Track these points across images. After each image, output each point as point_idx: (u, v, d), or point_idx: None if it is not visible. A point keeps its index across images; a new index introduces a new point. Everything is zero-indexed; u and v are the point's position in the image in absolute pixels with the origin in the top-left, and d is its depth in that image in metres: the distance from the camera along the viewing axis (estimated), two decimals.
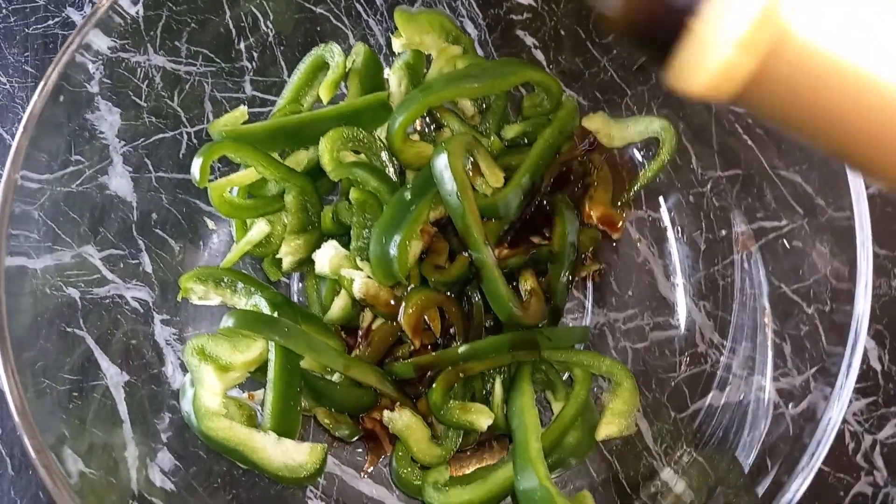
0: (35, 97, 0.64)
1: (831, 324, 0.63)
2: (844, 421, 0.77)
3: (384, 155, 0.71)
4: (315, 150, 0.74)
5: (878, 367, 0.79)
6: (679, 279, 0.78)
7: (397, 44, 0.73)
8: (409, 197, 0.68)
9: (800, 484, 0.55)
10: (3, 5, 0.90)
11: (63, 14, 0.91)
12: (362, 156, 0.73)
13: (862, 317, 0.58)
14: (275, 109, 0.77)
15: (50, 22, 0.91)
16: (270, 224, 0.73)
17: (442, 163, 0.65)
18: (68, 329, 0.70)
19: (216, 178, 0.73)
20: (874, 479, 0.75)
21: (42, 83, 0.65)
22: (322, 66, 0.76)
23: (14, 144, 0.62)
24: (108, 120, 0.76)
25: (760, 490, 0.58)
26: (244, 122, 0.74)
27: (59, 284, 0.70)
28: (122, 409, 0.70)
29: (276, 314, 0.66)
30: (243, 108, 0.75)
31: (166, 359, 0.74)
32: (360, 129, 0.70)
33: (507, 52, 0.87)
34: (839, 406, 0.56)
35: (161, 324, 0.75)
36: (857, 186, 0.59)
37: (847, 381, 0.56)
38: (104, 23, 0.71)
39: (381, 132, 0.73)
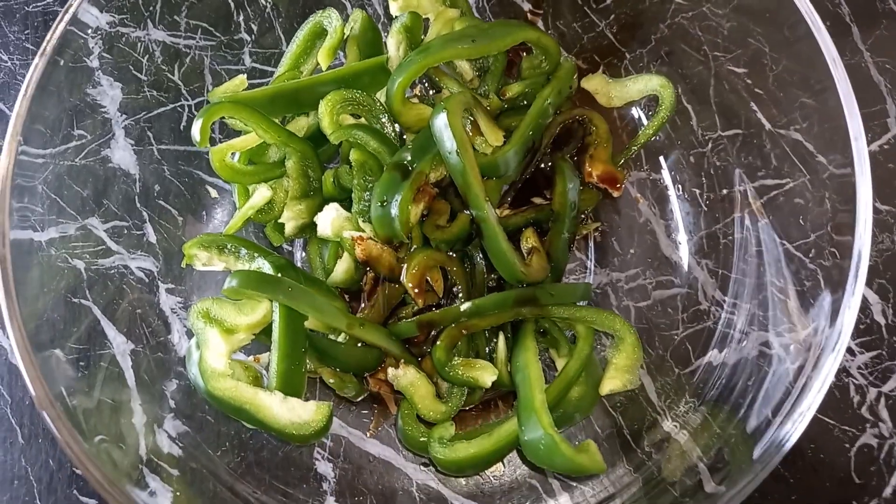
0: (30, 71, 0.65)
1: (831, 278, 0.63)
2: (849, 374, 0.77)
3: (384, 118, 0.72)
4: (315, 116, 0.74)
5: (881, 321, 0.79)
6: (681, 238, 0.78)
7: (394, 6, 0.73)
8: (410, 157, 0.68)
9: (791, 428, 0.56)
10: None
11: None
12: (362, 119, 0.73)
13: (860, 268, 0.58)
14: (274, 77, 0.77)
15: (49, 0, 0.91)
16: (272, 190, 0.73)
17: (441, 121, 0.65)
18: (75, 300, 0.71)
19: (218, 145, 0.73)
20: (879, 430, 0.75)
21: (37, 57, 0.66)
22: (320, 34, 0.76)
23: (12, 118, 0.63)
24: (109, 94, 0.77)
25: (758, 438, 0.59)
26: (244, 90, 0.75)
27: (64, 256, 0.71)
28: (130, 376, 0.71)
29: (279, 275, 0.66)
30: (242, 76, 0.76)
31: (172, 327, 0.75)
32: (359, 92, 0.70)
33: (505, 17, 0.87)
34: (834, 355, 0.56)
35: (166, 293, 0.76)
36: (859, 144, 0.59)
37: (842, 333, 0.57)
38: None
39: (380, 95, 0.74)
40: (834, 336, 0.58)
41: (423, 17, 0.76)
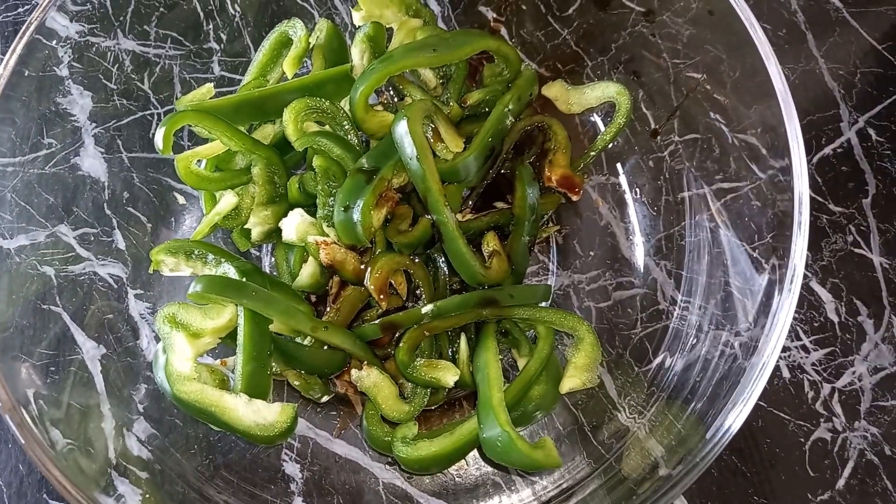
0: None
1: (776, 278, 0.65)
2: (803, 371, 0.80)
3: (347, 125, 0.73)
4: (281, 124, 0.75)
5: (835, 318, 0.81)
6: (640, 240, 0.80)
7: (357, 17, 0.75)
8: (372, 163, 0.70)
9: (735, 416, 0.58)
10: None
11: (33, 1, 0.92)
12: (326, 126, 0.75)
13: (797, 264, 0.60)
14: (240, 86, 0.79)
15: (20, 10, 0.92)
16: (239, 196, 0.74)
17: (402, 128, 0.67)
18: (44, 306, 0.71)
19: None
20: (833, 425, 0.78)
21: (2, 65, 0.67)
22: (286, 43, 0.78)
23: None
24: (79, 103, 0.78)
25: (709, 424, 0.61)
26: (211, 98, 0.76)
27: (34, 263, 0.72)
28: (99, 381, 0.71)
29: (244, 280, 0.68)
30: (209, 85, 0.77)
31: (140, 332, 0.76)
32: (323, 100, 0.72)
33: (469, 26, 0.89)
34: (772, 346, 0.58)
35: (135, 298, 0.77)
36: (797, 145, 0.61)
37: (778, 323, 0.59)
38: (69, 6, 0.73)
39: (344, 103, 0.75)
40: (774, 330, 0.60)
41: (387, 26, 0.77)
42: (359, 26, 0.76)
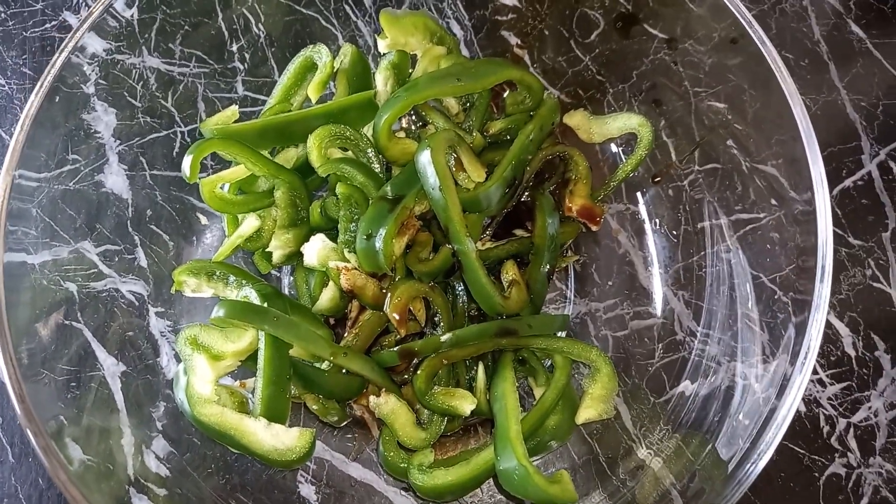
0: (32, 98, 0.67)
1: (797, 312, 0.65)
2: (819, 405, 0.80)
3: (370, 152, 0.74)
4: (304, 147, 0.76)
5: (852, 353, 0.81)
6: (658, 270, 0.81)
7: (382, 44, 0.75)
8: (395, 191, 0.70)
9: (758, 457, 0.58)
10: (2, 10, 0.93)
11: (60, 17, 0.94)
12: (349, 152, 0.76)
13: (821, 304, 0.60)
14: (265, 109, 0.80)
15: (47, 25, 0.93)
16: (261, 219, 0.75)
17: (425, 158, 0.67)
18: (66, 322, 0.72)
19: (209, 175, 0.75)
20: (848, 460, 0.78)
21: (39, 84, 0.68)
22: (311, 67, 0.78)
23: (11, 144, 0.65)
24: (104, 120, 0.79)
25: (731, 466, 0.61)
26: (235, 121, 0.77)
27: (57, 279, 0.72)
28: (119, 398, 0.72)
29: (266, 305, 0.68)
30: (234, 108, 0.78)
31: (161, 350, 0.77)
32: (347, 127, 0.73)
33: (492, 51, 0.90)
34: (798, 387, 0.58)
35: (156, 316, 0.78)
36: (818, 177, 0.61)
37: (805, 366, 0.59)
38: (99, 25, 0.74)
39: (367, 130, 0.76)
40: (798, 369, 0.60)
41: (411, 53, 0.78)
42: (384, 54, 0.76)
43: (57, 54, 0.70)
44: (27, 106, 0.67)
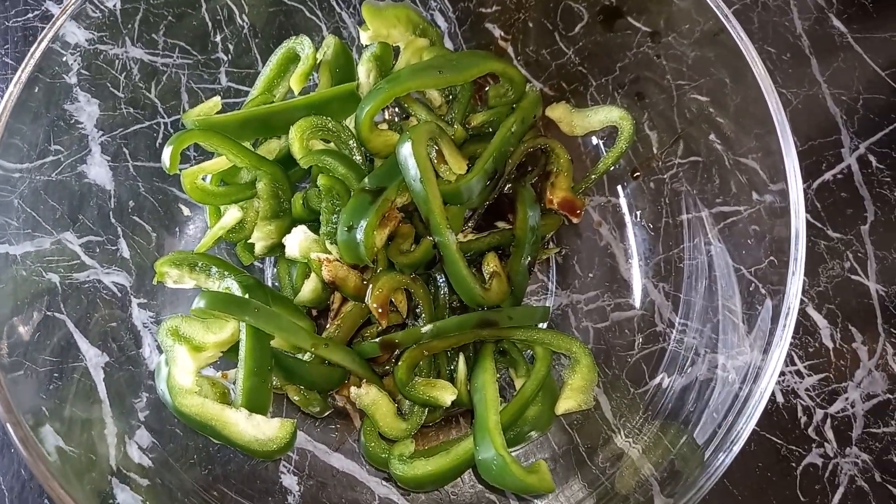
0: (10, 87, 0.67)
1: (775, 301, 0.66)
2: (797, 396, 0.81)
3: (352, 143, 0.74)
4: (286, 139, 0.76)
5: (830, 344, 0.82)
6: (640, 262, 0.81)
7: (365, 36, 0.75)
8: (376, 183, 0.70)
9: (732, 447, 0.59)
10: None
11: (43, 7, 0.93)
12: (332, 144, 0.76)
13: (792, 293, 0.61)
14: (247, 100, 0.80)
15: (30, 15, 0.93)
16: (243, 210, 0.75)
17: (406, 150, 0.67)
18: (48, 313, 0.72)
19: (191, 166, 0.75)
20: (825, 450, 0.79)
21: (18, 73, 0.67)
22: (293, 58, 0.78)
23: None
24: (86, 110, 0.78)
25: (706, 454, 0.62)
26: (218, 112, 0.77)
27: (39, 270, 0.72)
28: (101, 389, 0.72)
29: (247, 296, 0.68)
30: (217, 99, 0.78)
31: (143, 341, 0.77)
32: (328, 118, 0.73)
33: (476, 44, 0.90)
34: (769, 375, 0.59)
35: (138, 307, 0.78)
36: (791, 169, 0.62)
37: (777, 356, 0.60)
38: (81, 15, 0.73)
39: (349, 121, 0.76)
40: (770, 358, 0.61)
41: (394, 45, 0.78)
42: (366, 45, 0.76)
43: (36, 43, 0.70)
44: (6, 95, 0.66)
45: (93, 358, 0.73)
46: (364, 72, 0.76)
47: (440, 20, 0.90)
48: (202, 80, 0.86)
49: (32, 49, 0.70)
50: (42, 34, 0.71)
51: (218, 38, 0.86)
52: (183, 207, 0.82)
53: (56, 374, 0.70)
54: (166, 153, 0.68)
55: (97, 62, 0.79)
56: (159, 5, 0.81)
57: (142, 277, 0.78)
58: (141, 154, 0.82)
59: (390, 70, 0.77)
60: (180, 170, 0.71)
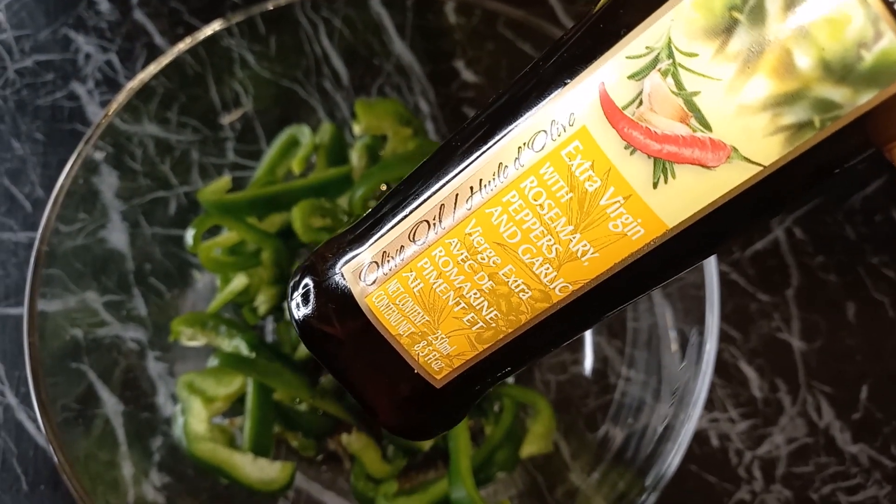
0: (61, 180, 0.78)
1: (698, 352, 0.78)
2: (729, 439, 0.93)
3: (346, 220, 0.86)
4: (287, 213, 0.88)
5: (758, 394, 0.95)
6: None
7: (357, 129, 0.88)
8: None
9: (661, 480, 0.71)
10: (18, 80, 1.03)
11: (69, 88, 1.04)
12: (328, 219, 0.87)
13: (709, 355, 0.73)
14: (253, 178, 0.91)
15: (57, 94, 1.04)
16: (249, 276, 0.86)
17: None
18: (73, 365, 0.83)
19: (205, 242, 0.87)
20: (752, 487, 0.91)
21: (68, 167, 0.79)
22: (294, 143, 0.90)
23: (43, 221, 0.75)
24: (108, 181, 0.89)
25: (643, 485, 0.74)
26: (229, 190, 0.88)
27: (65, 325, 0.83)
28: (120, 433, 0.83)
29: (253, 354, 0.79)
30: (227, 178, 0.89)
31: (158, 390, 0.87)
32: (325, 200, 0.85)
33: (455, 125, 1.02)
34: (690, 425, 0.72)
35: (154, 360, 0.88)
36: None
37: (696, 406, 0.72)
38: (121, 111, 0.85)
39: (344, 199, 0.88)
40: (692, 405, 0.74)
41: (383, 134, 0.90)
42: (358, 137, 0.89)
43: (82, 142, 0.82)
44: (56, 188, 0.78)
45: (113, 406, 0.84)
46: (356, 157, 0.88)
47: (423, 103, 1.03)
48: (211, 154, 0.97)
49: (74, 157, 0.81)
50: (86, 134, 0.82)
51: (226, 118, 0.98)
52: (195, 272, 0.93)
53: (80, 420, 0.80)
54: (189, 234, 0.79)
55: (119, 138, 0.90)
56: (174, 88, 0.93)
57: (158, 333, 0.89)
58: (157, 222, 0.93)
59: (379, 155, 0.90)
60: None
